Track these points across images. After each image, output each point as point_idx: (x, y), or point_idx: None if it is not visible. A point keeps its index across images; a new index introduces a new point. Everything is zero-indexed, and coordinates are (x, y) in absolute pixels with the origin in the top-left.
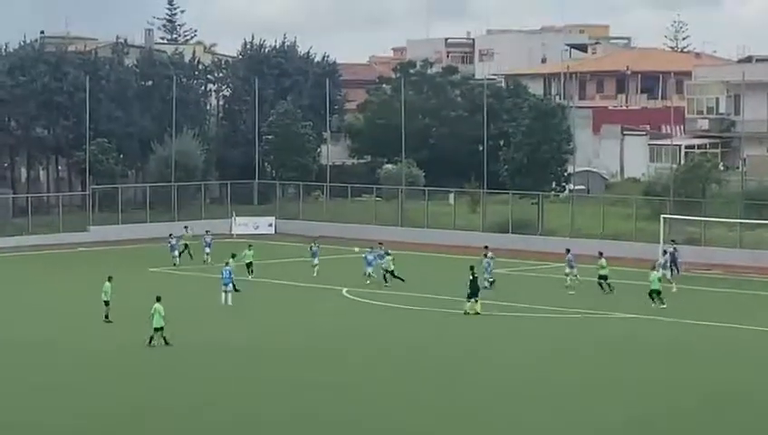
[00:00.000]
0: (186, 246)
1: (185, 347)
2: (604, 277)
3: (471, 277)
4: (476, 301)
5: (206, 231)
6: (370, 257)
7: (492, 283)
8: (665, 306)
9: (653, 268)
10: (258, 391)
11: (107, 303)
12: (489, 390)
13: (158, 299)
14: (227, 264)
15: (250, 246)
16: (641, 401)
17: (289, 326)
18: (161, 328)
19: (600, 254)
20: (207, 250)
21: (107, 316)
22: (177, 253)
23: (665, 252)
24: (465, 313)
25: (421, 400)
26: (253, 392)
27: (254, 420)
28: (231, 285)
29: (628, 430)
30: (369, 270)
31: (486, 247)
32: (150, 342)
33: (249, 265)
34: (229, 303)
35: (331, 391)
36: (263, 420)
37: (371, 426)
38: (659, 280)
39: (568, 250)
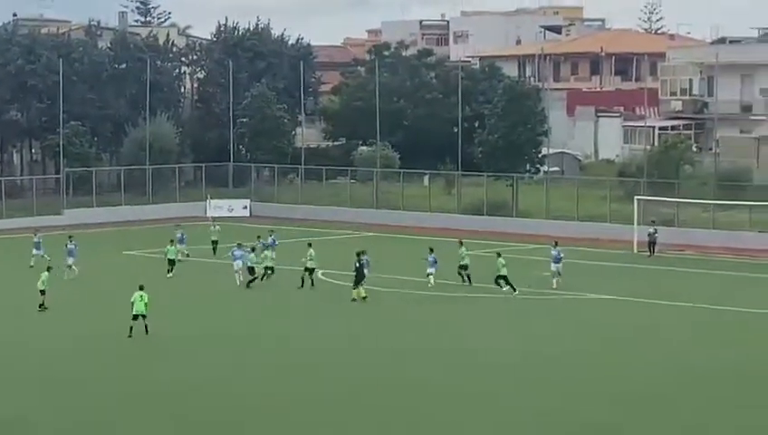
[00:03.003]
0: (214, 242)
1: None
2: (464, 267)
3: (357, 264)
4: (362, 286)
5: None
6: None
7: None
8: (516, 292)
9: (461, 244)
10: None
11: (42, 292)
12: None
13: (141, 287)
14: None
15: (172, 241)
16: (623, 380)
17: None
18: (142, 315)
19: (461, 242)
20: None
21: (42, 305)
22: (41, 252)
23: (555, 243)
24: (353, 299)
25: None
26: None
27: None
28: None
29: (613, 405)
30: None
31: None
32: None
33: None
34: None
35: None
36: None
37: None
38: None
39: (431, 249)
